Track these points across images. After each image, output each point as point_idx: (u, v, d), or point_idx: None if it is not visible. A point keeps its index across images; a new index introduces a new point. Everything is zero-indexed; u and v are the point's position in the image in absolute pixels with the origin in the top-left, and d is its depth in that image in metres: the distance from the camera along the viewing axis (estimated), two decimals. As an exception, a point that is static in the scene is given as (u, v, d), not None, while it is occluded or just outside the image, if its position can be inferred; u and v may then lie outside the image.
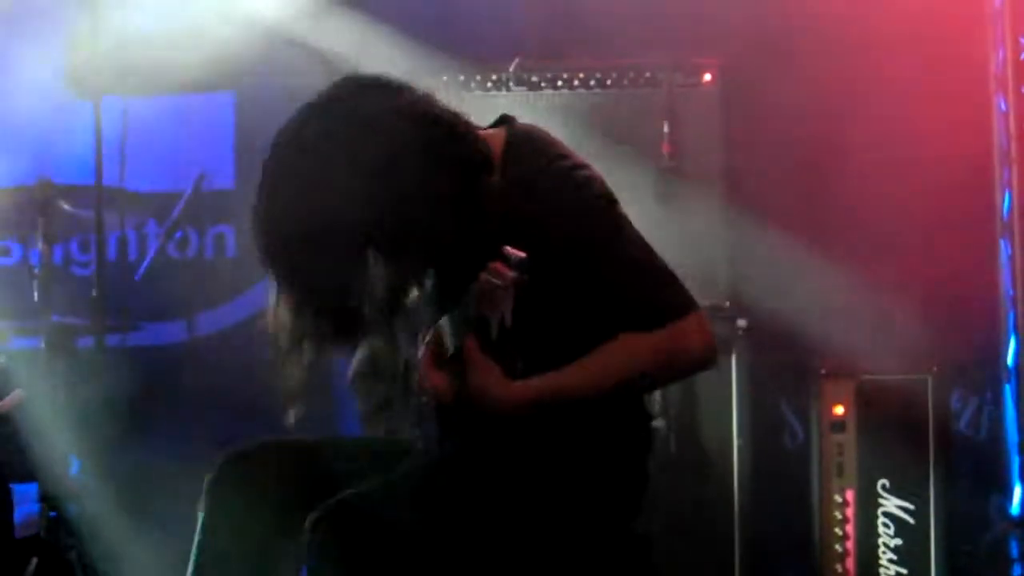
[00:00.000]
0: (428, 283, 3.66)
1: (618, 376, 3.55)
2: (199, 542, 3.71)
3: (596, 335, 3.54)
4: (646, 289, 3.55)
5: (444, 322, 3.52)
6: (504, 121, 3.74)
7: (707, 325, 3.61)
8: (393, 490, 3.50)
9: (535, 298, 3.29)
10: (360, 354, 3.89)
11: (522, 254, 3.20)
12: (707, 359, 3.62)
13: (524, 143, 3.64)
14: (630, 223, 3.63)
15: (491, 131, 3.69)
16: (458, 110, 3.56)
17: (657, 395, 5.59)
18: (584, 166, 3.63)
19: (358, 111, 3.44)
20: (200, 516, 3.73)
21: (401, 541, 3.39)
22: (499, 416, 3.48)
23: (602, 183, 3.63)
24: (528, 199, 3.52)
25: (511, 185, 3.56)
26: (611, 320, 3.54)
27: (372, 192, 3.34)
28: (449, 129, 3.51)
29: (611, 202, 3.62)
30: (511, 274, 3.19)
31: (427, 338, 3.57)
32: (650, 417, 3.80)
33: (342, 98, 3.47)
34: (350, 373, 3.91)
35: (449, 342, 3.50)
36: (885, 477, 5.75)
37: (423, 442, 3.73)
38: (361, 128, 3.40)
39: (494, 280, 3.19)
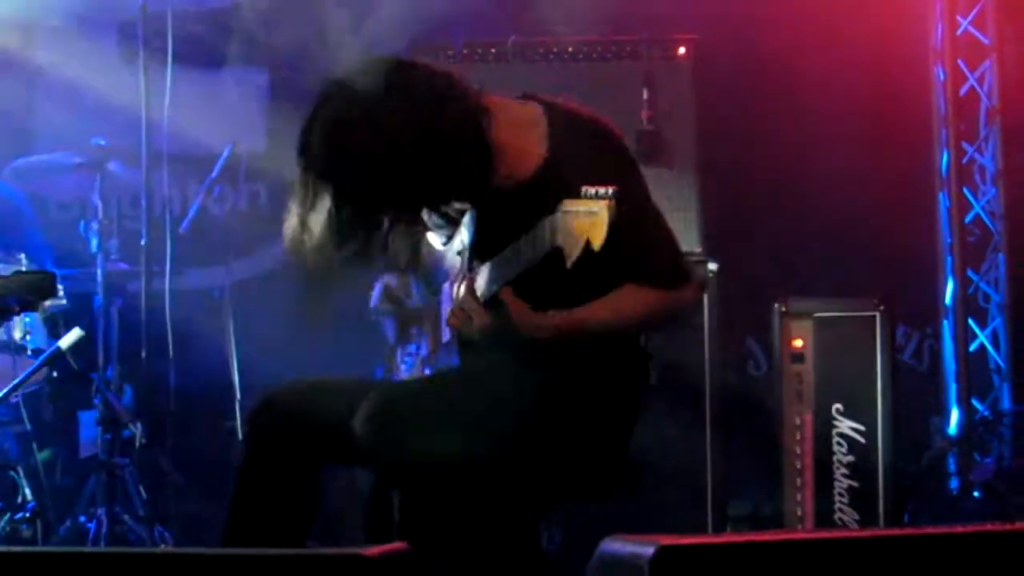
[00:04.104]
0: (466, 234, 3.76)
1: (631, 320, 3.68)
2: (241, 468, 3.73)
3: (611, 283, 3.64)
4: (668, 253, 3.69)
5: (482, 269, 3.62)
6: (530, 96, 3.80)
7: (700, 289, 3.81)
8: (427, 387, 3.66)
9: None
10: (380, 286, 3.99)
11: (610, 188, 3.27)
12: (694, 311, 3.91)
13: (563, 115, 3.71)
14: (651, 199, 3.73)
15: (525, 104, 3.76)
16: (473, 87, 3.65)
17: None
18: (617, 136, 3.71)
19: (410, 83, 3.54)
20: (242, 444, 3.78)
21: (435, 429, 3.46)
22: (531, 339, 3.57)
23: (629, 152, 3.73)
24: (571, 165, 3.57)
25: (556, 152, 3.65)
26: (630, 273, 3.63)
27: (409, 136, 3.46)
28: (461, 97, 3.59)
29: (639, 171, 3.71)
30: (604, 201, 3.24)
31: (461, 282, 3.67)
32: (648, 357, 3.89)
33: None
34: (374, 300, 3.98)
35: (484, 287, 3.60)
36: (839, 402, 5.73)
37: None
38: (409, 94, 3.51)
39: (581, 209, 3.24)
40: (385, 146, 3.47)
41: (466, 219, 3.78)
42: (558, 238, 3.28)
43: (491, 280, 3.61)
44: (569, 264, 3.28)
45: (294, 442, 3.66)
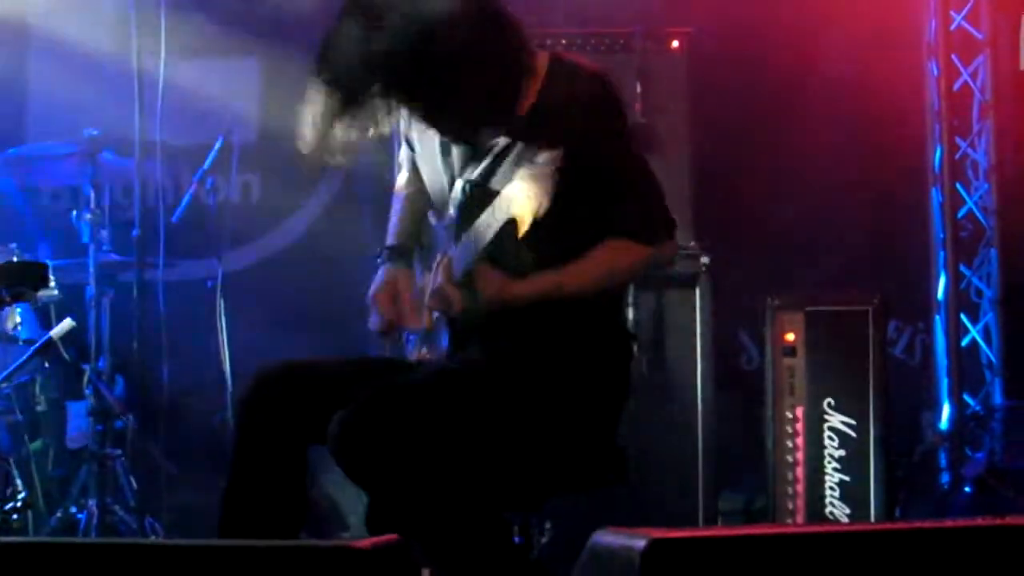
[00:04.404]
0: (452, 209, 3.73)
1: (610, 278, 3.69)
2: (233, 456, 3.69)
3: (592, 237, 3.63)
4: (647, 209, 3.68)
5: (455, 251, 3.61)
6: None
7: (676, 244, 3.89)
8: (408, 391, 3.56)
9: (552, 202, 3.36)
10: (382, 274, 3.95)
11: (555, 152, 3.27)
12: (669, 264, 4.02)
13: (566, 68, 3.68)
14: (638, 151, 3.74)
15: (538, 53, 3.71)
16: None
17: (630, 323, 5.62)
18: (607, 91, 3.68)
19: None
20: (233, 431, 3.74)
21: (416, 435, 3.42)
22: (508, 309, 3.58)
23: (624, 110, 3.72)
24: (564, 112, 3.57)
25: (539, 105, 3.63)
26: (609, 226, 3.63)
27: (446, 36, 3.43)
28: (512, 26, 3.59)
29: (622, 126, 3.70)
30: (548, 167, 3.24)
31: (441, 262, 3.65)
32: (632, 338, 3.89)
33: None
34: (371, 291, 3.94)
35: (457, 268, 3.58)
36: (830, 396, 5.75)
37: (434, 354, 3.84)
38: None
39: (533, 173, 3.25)
40: (426, 62, 3.43)
41: (455, 191, 3.74)
42: (510, 209, 3.28)
43: (463, 259, 3.58)
44: (520, 235, 3.28)
45: (284, 427, 3.63)
